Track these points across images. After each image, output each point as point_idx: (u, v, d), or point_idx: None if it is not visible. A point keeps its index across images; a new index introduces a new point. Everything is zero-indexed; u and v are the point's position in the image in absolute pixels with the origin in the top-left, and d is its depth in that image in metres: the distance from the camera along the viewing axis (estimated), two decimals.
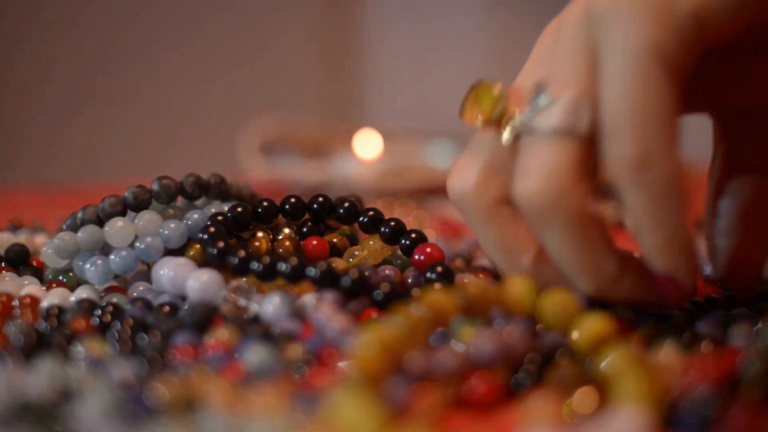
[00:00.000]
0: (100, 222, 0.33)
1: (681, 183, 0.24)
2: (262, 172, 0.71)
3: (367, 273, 0.30)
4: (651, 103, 0.24)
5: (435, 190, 0.69)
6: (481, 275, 0.35)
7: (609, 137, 0.25)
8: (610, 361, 0.23)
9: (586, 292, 0.27)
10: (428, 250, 0.32)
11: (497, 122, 0.28)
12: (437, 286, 0.29)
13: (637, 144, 0.24)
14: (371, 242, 0.33)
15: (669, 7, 0.25)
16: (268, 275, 0.29)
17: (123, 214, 0.33)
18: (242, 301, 0.29)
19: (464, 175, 0.29)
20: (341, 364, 0.24)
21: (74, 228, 0.33)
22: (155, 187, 0.33)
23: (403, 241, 0.33)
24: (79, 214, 0.34)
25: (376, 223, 0.33)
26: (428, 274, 0.31)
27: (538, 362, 0.24)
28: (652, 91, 0.24)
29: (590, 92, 0.26)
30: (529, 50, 0.32)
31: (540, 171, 0.25)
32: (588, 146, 0.26)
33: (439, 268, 0.31)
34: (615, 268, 0.26)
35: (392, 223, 0.33)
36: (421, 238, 0.33)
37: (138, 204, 0.33)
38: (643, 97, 0.24)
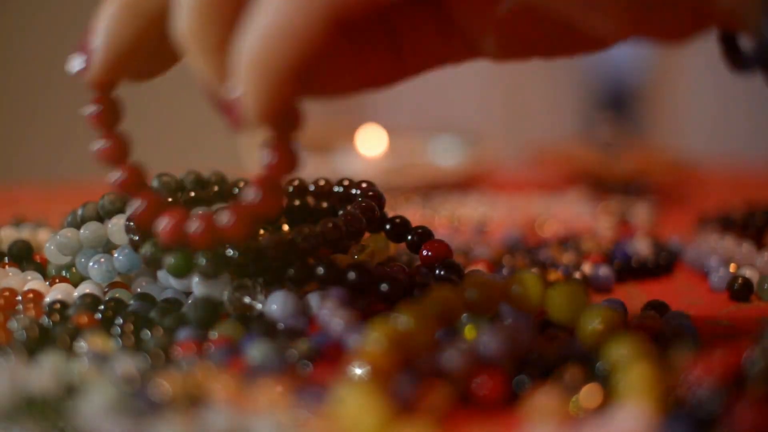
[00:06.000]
0: (100, 219, 0.33)
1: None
2: None
3: (372, 268, 0.29)
4: None
5: (440, 186, 0.69)
6: (480, 266, 0.35)
7: None
8: (616, 355, 0.23)
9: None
10: (435, 245, 0.32)
11: None
12: (445, 282, 0.29)
13: None
14: (376, 239, 0.33)
15: None
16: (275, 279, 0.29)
17: (122, 210, 0.33)
18: (247, 299, 0.29)
19: None
20: (349, 365, 0.24)
21: (75, 225, 0.33)
22: (155, 183, 0.33)
23: (409, 238, 0.32)
24: (79, 211, 0.33)
25: (381, 222, 0.33)
26: (437, 271, 0.31)
27: (545, 359, 0.24)
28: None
29: None
30: None
31: None
32: None
33: (447, 264, 0.31)
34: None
35: (397, 220, 0.33)
36: (428, 234, 0.32)
37: None
38: None
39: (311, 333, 0.28)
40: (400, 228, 0.32)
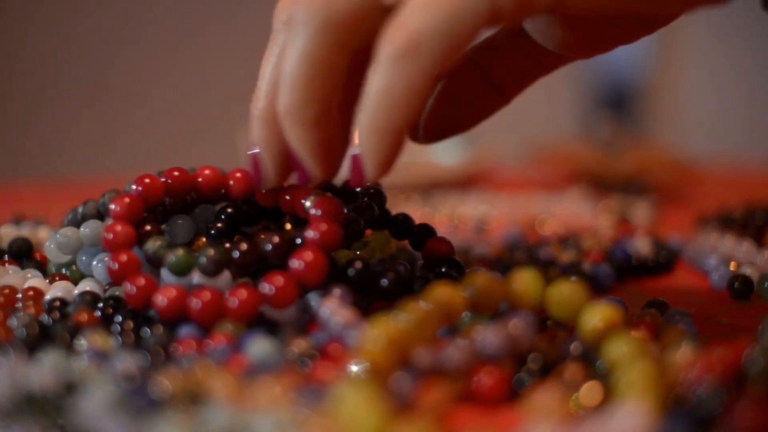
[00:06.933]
0: (101, 217, 0.33)
1: (433, 86, 0.27)
2: None
3: (372, 264, 0.30)
4: None
5: (440, 185, 0.69)
6: (480, 264, 0.35)
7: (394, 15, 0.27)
8: (616, 353, 0.23)
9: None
10: (437, 243, 0.32)
11: None
12: (445, 280, 0.29)
13: (409, 30, 0.26)
14: (378, 235, 0.33)
15: None
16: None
17: None
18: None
19: None
20: (349, 363, 0.24)
21: (75, 223, 0.33)
22: None
23: (411, 235, 0.32)
24: (80, 209, 0.33)
25: (383, 219, 0.33)
26: (438, 268, 0.31)
27: (545, 357, 0.24)
28: None
29: None
30: None
31: None
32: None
33: (448, 262, 0.31)
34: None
35: (400, 218, 0.33)
36: (430, 232, 0.32)
37: None
38: None
39: (311, 331, 0.28)
40: (403, 225, 0.33)
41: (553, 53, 0.32)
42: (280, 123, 0.29)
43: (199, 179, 0.32)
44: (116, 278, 0.29)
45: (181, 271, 0.29)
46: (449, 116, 0.33)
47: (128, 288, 0.28)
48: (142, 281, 0.28)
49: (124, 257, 0.29)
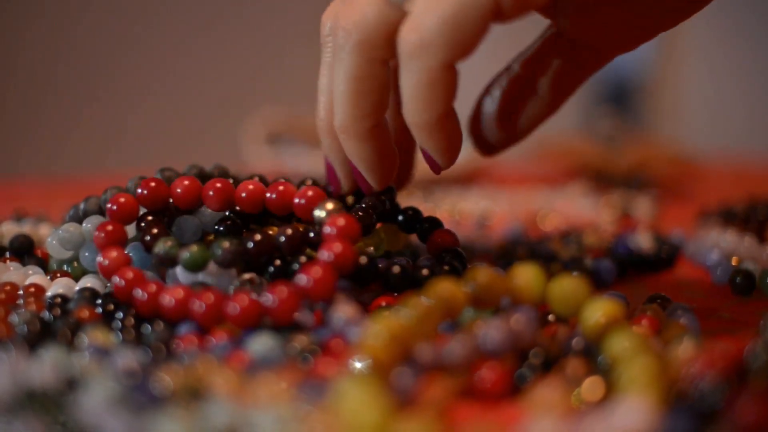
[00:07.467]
0: (102, 213, 0.33)
1: (450, 75, 0.28)
2: (267, 162, 0.71)
3: (376, 259, 0.30)
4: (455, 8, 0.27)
5: (441, 181, 0.69)
6: (481, 260, 0.36)
7: (405, 20, 0.28)
8: (618, 348, 0.23)
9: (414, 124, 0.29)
10: (442, 234, 0.32)
11: None
12: (447, 273, 0.29)
13: (418, 30, 0.27)
14: (386, 229, 0.33)
15: None
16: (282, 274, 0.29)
17: None
18: (253, 296, 0.29)
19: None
20: (350, 359, 0.24)
21: (77, 219, 0.33)
22: (158, 177, 0.33)
23: (419, 227, 0.33)
24: (82, 206, 0.33)
25: (393, 213, 0.33)
26: (442, 257, 0.31)
27: (546, 352, 0.24)
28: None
29: None
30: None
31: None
32: None
33: (452, 253, 0.31)
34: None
35: (409, 212, 0.33)
36: (437, 224, 0.33)
37: None
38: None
39: (313, 326, 0.28)
40: (412, 218, 0.33)
41: (594, 53, 0.34)
42: (340, 136, 0.31)
43: (210, 193, 0.32)
44: (107, 275, 0.29)
45: (198, 265, 0.29)
46: (507, 128, 0.35)
47: (123, 285, 0.28)
48: (134, 277, 0.28)
49: (113, 253, 0.29)
